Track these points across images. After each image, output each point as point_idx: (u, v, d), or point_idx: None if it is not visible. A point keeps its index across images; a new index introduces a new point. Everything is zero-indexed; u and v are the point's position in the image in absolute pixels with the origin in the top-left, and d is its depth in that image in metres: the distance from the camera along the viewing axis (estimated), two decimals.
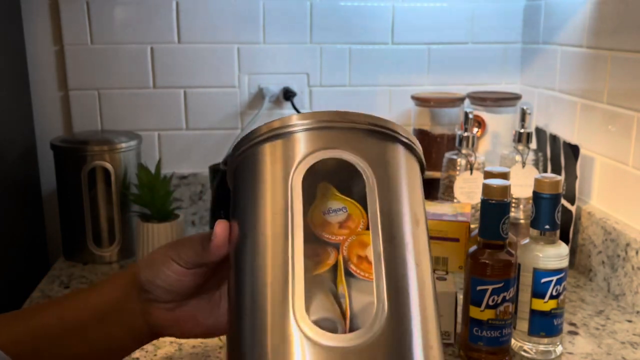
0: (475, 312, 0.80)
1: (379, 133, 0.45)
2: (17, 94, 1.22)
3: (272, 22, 1.33)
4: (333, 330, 0.40)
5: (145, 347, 0.87)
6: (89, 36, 1.28)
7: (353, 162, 0.43)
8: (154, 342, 0.88)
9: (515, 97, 1.31)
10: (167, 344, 0.87)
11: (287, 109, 1.37)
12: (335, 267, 0.43)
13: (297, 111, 1.34)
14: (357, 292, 0.42)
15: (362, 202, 0.44)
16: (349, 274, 0.43)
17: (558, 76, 1.26)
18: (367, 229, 0.42)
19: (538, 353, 0.84)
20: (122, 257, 1.18)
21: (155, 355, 0.85)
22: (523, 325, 0.84)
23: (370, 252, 0.42)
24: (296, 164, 0.43)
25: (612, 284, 1.03)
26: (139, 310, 0.53)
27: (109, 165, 1.14)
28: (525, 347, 0.85)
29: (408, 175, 0.45)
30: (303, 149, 0.43)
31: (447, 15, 1.37)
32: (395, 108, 1.41)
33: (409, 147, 0.47)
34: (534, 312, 0.83)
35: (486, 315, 0.79)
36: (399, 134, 0.46)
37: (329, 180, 0.46)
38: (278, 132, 0.44)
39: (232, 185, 0.49)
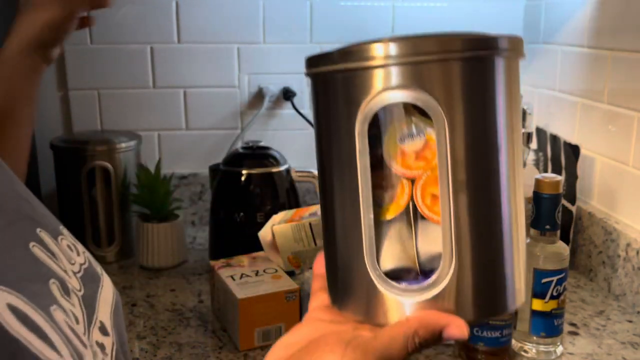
0: None
1: (474, 59, 0.40)
2: None
3: (272, 22, 1.33)
4: (405, 277, 0.41)
5: (145, 347, 0.87)
6: (88, 36, 1.28)
7: (422, 105, 0.39)
8: (154, 342, 0.88)
9: None
10: (166, 344, 0.87)
11: (287, 109, 1.37)
12: (407, 207, 0.41)
13: (297, 111, 1.34)
14: (430, 238, 0.41)
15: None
16: (422, 218, 0.41)
17: (558, 76, 1.26)
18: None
19: (538, 353, 0.84)
20: (121, 257, 1.18)
21: (155, 355, 0.85)
22: (523, 325, 0.84)
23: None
24: (364, 104, 0.40)
25: (612, 284, 1.03)
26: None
27: (108, 165, 1.14)
28: (526, 347, 0.84)
29: (502, 95, 0.41)
30: (373, 89, 0.40)
31: (447, 15, 1.37)
32: None
33: (510, 56, 0.43)
34: (534, 313, 0.82)
35: None
36: (498, 49, 0.41)
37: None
38: (353, 67, 0.40)
39: (312, 98, 0.46)
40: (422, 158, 0.41)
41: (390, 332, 0.41)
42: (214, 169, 1.18)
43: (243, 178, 1.09)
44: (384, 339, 0.41)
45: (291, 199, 1.12)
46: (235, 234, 1.10)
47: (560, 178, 0.81)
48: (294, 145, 1.37)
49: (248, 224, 1.08)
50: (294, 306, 0.88)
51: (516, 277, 0.42)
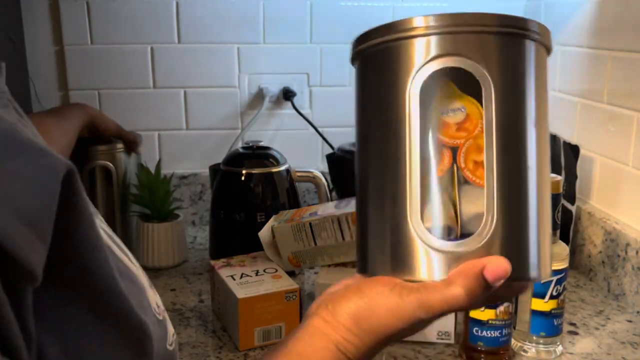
0: (475, 312, 0.80)
1: (507, 34, 0.45)
2: (17, 94, 1.22)
3: (272, 22, 1.33)
4: (446, 235, 0.43)
5: None
6: (89, 36, 1.28)
7: (470, 69, 0.43)
8: None
9: None
10: None
11: (287, 109, 1.37)
12: (451, 170, 0.44)
13: (297, 111, 1.34)
14: (472, 199, 0.44)
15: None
16: (465, 181, 0.44)
17: (558, 76, 1.26)
18: None
19: (538, 353, 0.84)
20: None
21: None
22: (523, 325, 0.84)
23: None
24: (414, 71, 0.44)
25: (612, 283, 1.03)
26: None
27: (110, 165, 1.14)
28: (525, 347, 0.85)
29: (533, 75, 0.45)
30: (422, 56, 0.44)
31: None
32: None
33: (539, 42, 0.47)
34: (534, 312, 0.83)
35: (486, 315, 0.79)
36: (528, 30, 0.47)
37: (451, 76, 0.44)
38: (403, 35, 0.45)
39: (357, 74, 0.50)
40: (464, 129, 0.44)
41: (435, 285, 0.42)
42: (214, 169, 1.18)
43: (243, 178, 1.10)
44: (430, 289, 0.42)
45: (291, 199, 1.12)
46: (235, 234, 1.10)
47: (560, 178, 0.81)
48: (294, 145, 1.37)
49: (248, 224, 1.08)
50: (294, 306, 0.88)
51: (543, 246, 0.44)
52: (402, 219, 0.44)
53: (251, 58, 1.34)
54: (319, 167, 1.30)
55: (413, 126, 0.44)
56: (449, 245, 0.43)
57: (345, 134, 1.36)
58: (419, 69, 0.44)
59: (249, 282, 0.89)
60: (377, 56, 0.47)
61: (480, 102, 0.43)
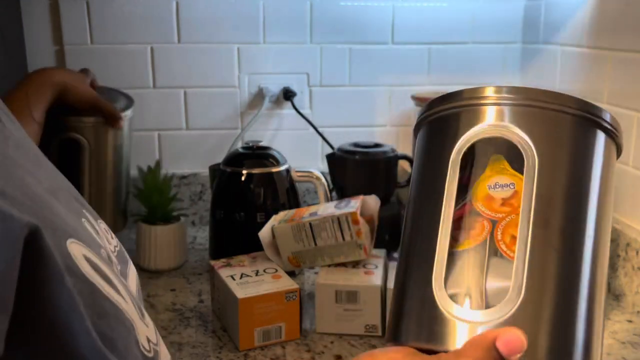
0: None
1: (582, 118, 0.45)
2: None
3: (272, 22, 1.33)
4: (469, 304, 0.42)
5: None
6: (89, 36, 1.28)
7: (515, 141, 0.43)
8: None
9: None
10: (167, 344, 0.87)
11: (287, 109, 1.37)
12: (485, 241, 0.43)
13: (297, 111, 1.34)
14: (502, 273, 0.42)
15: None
16: (498, 254, 0.43)
17: (558, 76, 1.26)
18: None
19: None
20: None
21: None
22: None
23: None
24: (464, 137, 0.44)
25: (612, 284, 1.03)
26: None
27: (81, 138, 1.01)
28: None
29: (600, 165, 0.45)
30: (479, 124, 0.44)
31: (447, 15, 1.37)
32: (395, 108, 1.41)
33: (611, 135, 0.47)
34: None
35: None
36: (603, 120, 0.46)
37: (507, 153, 0.44)
38: (466, 103, 0.46)
39: (419, 138, 0.50)
40: (508, 204, 0.43)
41: (446, 355, 0.40)
42: (214, 169, 1.18)
43: (243, 178, 1.09)
44: (442, 359, 0.40)
45: (291, 199, 1.12)
46: (235, 234, 1.10)
47: None
48: (294, 145, 1.37)
49: (248, 224, 1.08)
50: (294, 306, 0.88)
51: (591, 340, 0.41)
52: (427, 283, 0.43)
53: (251, 58, 1.34)
54: (319, 167, 1.30)
55: (449, 191, 0.44)
56: (470, 315, 0.41)
57: (345, 134, 1.36)
58: (470, 135, 0.44)
59: (249, 282, 0.89)
60: (439, 121, 0.47)
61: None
